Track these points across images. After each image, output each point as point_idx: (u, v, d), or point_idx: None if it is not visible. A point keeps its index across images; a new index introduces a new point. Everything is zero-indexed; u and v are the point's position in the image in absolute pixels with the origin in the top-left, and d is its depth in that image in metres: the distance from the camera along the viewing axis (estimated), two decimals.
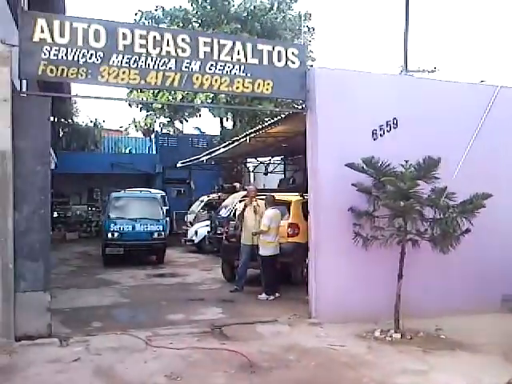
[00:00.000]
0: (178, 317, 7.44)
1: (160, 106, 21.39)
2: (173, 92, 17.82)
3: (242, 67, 6.80)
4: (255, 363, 5.21)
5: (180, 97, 19.01)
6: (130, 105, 21.48)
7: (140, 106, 22.42)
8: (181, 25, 20.59)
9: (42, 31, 5.86)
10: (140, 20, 21.18)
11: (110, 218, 13.22)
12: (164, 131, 25.03)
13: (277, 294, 8.61)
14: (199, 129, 27.27)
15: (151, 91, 19.16)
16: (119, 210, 13.46)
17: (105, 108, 58.38)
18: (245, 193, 12.45)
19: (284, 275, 9.12)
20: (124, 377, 4.88)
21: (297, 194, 10.12)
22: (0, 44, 5.62)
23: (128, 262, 12.83)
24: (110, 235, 12.85)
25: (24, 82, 6.30)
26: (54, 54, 5.92)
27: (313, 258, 7.03)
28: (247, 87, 6.86)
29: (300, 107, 8.69)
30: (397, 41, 45.37)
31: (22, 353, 5.49)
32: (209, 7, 21.25)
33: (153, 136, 25.15)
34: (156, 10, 21.60)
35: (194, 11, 21.37)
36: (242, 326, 6.66)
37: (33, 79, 7.05)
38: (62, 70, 5.98)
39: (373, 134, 7.13)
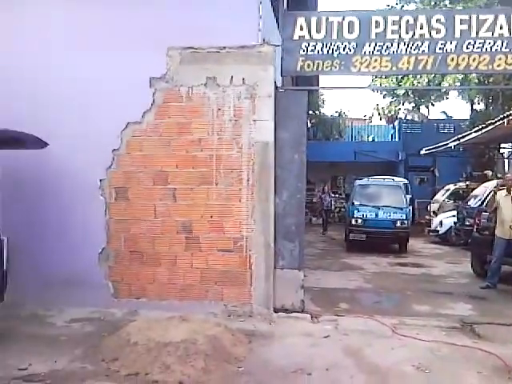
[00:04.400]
0: (423, 308, 7.25)
1: (404, 91, 20.87)
2: (418, 76, 17.16)
3: (505, 42, 6.21)
4: None
5: (426, 81, 18.17)
6: (373, 91, 21.51)
7: (384, 92, 22.26)
8: (432, 3, 19.64)
9: (302, 29, 6.39)
10: (396, 4, 21.00)
11: (353, 205, 13.58)
12: (409, 117, 24.35)
13: None
14: (446, 113, 25.68)
15: (395, 77, 18.82)
16: (363, 197, 13.71)
17: (350, 97, 59.80)
18: (498, 181, 11.36)
19: None
20: (371, 360, 4.95)
21: None
22: (266, 45, 6.25)
23: (370, 248, 12.96)
24: (353, 221, 13.21)
25: (280, 78, 6.89)
26: (311, 50, 6.39)
27: None
28: (510, 64, 6.24)
29: None
30: None
31: (279, 323, 6.07)
32: None
33: (396, 123, 24.72)
34: None
35: None
36: (497, 327, 6.11)
37: (292, 75, 7.65)
38: (318, 63, 6.41)
39: None
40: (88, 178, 6.45)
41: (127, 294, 6.45)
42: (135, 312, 6.24)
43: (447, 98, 23.08)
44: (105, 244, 6.48)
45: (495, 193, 8.67)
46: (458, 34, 6.28)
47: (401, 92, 21.30)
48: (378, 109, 23.74)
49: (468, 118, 21.85)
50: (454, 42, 6.28)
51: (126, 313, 6.24)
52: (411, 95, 21.78)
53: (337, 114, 26.46)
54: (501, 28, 6.22)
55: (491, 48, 6.23)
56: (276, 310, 6.34)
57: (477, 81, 17.26)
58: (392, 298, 8.23)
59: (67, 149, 6.42)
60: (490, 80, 16.79)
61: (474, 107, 22.20)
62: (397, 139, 24.19)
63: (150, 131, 6.41)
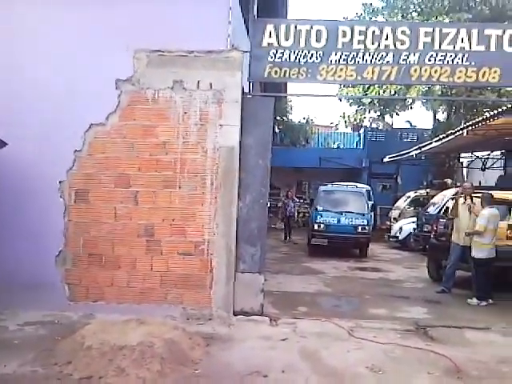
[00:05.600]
0: (380, 311, 7.41)
1: (370, 100, 21.26)
2: (384, 86, 17.52)
3: (466, 55, 6.39)
4: (463, 370, 4.89)
5: (392, 91, 18.57)
6: (340, 100, 21.82)
7: (350, 101, 22.61)
8: (399, 16, 20.10)
9: (270, 36, 6.41)
10: (361, 15, 21.41)
11: (317, 210, 13.72)
12: (374, 126, 24.82)
13: (490, 301, 7.86)
14: (410, 122, 26.30)
15: (361, 86, 19.14)
16: (326, 203, 13.87)
17: (317, 105, 60.51)
18: (456, 190, 11.70)
19: (498, 280, 8.26)
20: (327, 362, 5.03)
21: None
22: (234, 51, 6.27)
23: (331, 253, 13.12)
24: (316, 226, 13.35)
25: (247, 83, 6.89)
26: (279, 57, 6.42)
27: None
28: (470, 76, 6.42)
29: None
30: None
31: (238, 326, 6.09)
32: None
33: (361, 131, 25.15)
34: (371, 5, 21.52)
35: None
36: (449, 330, 6.32)
37: (259, 81, 7.69)
38: (285, 71, 6.45)
39: None
40: (47, 180, 6.31)
41: (84, 297, 6.34)
42: (91, 315, 6.13)
43: (411, 108, 23.60)
44: (62, 246, 6.35)
45: (457, 200, 8.90)
46: (421, 46, 6.41)
47: (367, 101, 21.67)
48: (344, 116, 24.05)
49: (431, 127, 22.42)
50: (418, 54, 6.42)
51: (82, 316, 6.14)
52: (377, 104, 22.18)
53: (304, 121, 26.71)
54: (462, 41, 6.39)
55: (452, 61, 6.40)
56: (236, 314, 6.37)
57: (440, 92, 17.75)
58: (350, 302, 8.34)
59: (27, 149, 6.27)
60: (453, 91, 17.31)
61: (437, 117, 22.78)
62: (361, 147, 24.62)
63: (114, 133, 6.32)
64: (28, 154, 6.31)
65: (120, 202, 6.33)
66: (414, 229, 14.43)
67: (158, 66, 6.28)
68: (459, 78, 6.44)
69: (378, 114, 23.79)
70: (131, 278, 6.34)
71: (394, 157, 18.73)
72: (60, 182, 6.36)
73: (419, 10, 20.49)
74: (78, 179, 6.37)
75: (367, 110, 23.20)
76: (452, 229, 8.78)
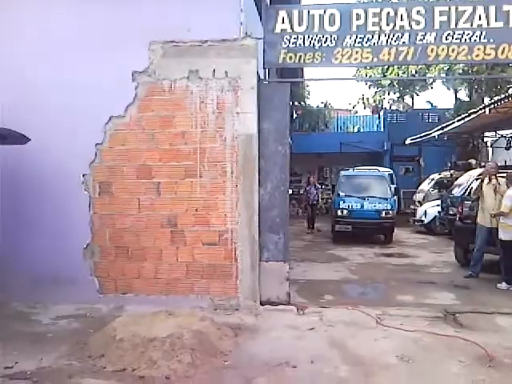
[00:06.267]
0: (407, 298, 7.31)
1: (389, 81, 20.94)
2: (403, 67, 17.23)
3: (484, 33, 6.27)
4: (494, 357, 4.79)
5: (411, 71, 18.26)
6: (358, 82, 21.59)
7: (369, 83, 22.32)
8: None
9: (283, 22, 6.40)
10: None
11: (339, 196, 13.60)
12: (393, 107, 24.44)
13: None
14: (431, 103, 25.81)
15: (380, 68, 18.88)
16: (348, 188, 13.72)
17: (335, 88, 59.94)
18: (482, 170, 11.44)
19: None
20: (355, 351, 5.00)
21: None
22: (248, 38, 6.25)
23: (356, 239, 13.04)
24: (339, 212, 13.21)
25: (263, 70, 6.88)
26: (293, 42, 6.41)
27: None
28: (489, 54, 6.30)
29: None
30: None
31: (265, 316, 6.11)
32: None
33: (381, 113, 24.82)
34: None
35: None
36: (478, 316, 6.21)
37: (274, 67, 7.64)
38: (300, 56, 6.43)
39: None
40: (71, 173, 6.42)
41: (113, 290, 6.45)
42: (121, 307, 6.23)
43: (432, 88, 23.27)
44: (89, 239, 6.46)
45: (482, 181, 8.70)
46: (437, 25, 6.32)
47: (386, 82, 21.37)
48: (363, 99, 23.75)
49: (452, 107, 21.99)
50: (434, 34, 6.32)
51: (112, 308, 6.24)
52: (396, 85, 21.87)
53: (322, 105, 26.46)
54: (479, 19, 6.27)
55: (470, 39, 6.28)
56: (262, 303, 6.38)
57: (461, 71, 17.38)
58: (376, 289, 8.28)
59: (50, 144, 6.37)
60: (474, 69, 16.91)
61: (459, 96, 22.36)
62: (382, 129, 24.28)
63: (133, 125, 6.38)
64: (51, 149, 6.42)
65: (143, 193, 6.41)
66: (439, 212, 14.16)
67: (173, 56, 6.31)
68: (477, 55, 6.34)
69: (398, 95, 23.44)
70: (158, 269, 6.42)
71: (416, 138, 18.44)
72: (83, 176, 6.46)
73: None
74: (101, 172, 6.46)
75: (386, 92, 22.87)
76: (477, 210, 8.59)
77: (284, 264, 6.54)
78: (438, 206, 14.57)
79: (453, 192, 13.35)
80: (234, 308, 6.28)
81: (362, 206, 13.15)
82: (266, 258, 6.50)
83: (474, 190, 9.17)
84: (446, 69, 17.54)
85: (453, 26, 6.31)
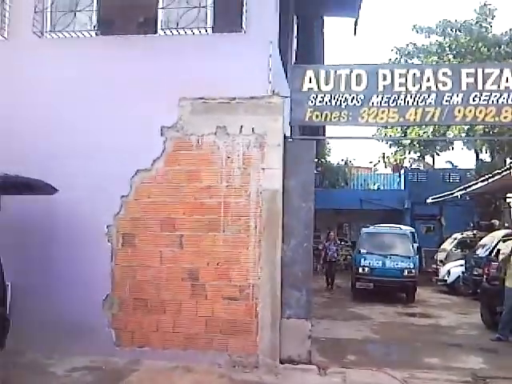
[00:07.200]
0: (433, 361, 7.06)
1: (409, 141, 21.12)
2: (424, 126, 17.39)
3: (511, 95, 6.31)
4: None
5: (431, 131, 18.40)
6: (378, 141, 21.84)
7: (390, 142, 22.52)
8: (435, 58, 20.16)
9: (310, 81, 6.56)
10: (396, 59, 21.59)
11: (360, 253, 13.46)
12: (414, 166, 24.49)
13: None
14: (451, 163, 25.84)
15: (400, 127, 19.08)
16: (370, 246, 13.60)
17: (355, 146, 60.68)
18: (507, 231, 11.27)
19: None
20: None
21: None
22: (275, 96, 6.39)
23: (377, 297, 12.77)
24: (360, 270, 13.05)
25: (288, 127, 6.98)
26: (320, 101, 6.54)
27: None
28: None
29: None
30: None
31: (285, 375, 5.91)
32: (463, 37, 20.29)
33: (402, 172, 24.84)
34: (407, 46, 21.66)
35: (447, 44, 20.67)
36: (510, 382, 5.95)
37: (300, 125, 7.77)
38: (326, 114, 6.54)
39: None
40: (96, 224, 6.47)
41: (130, 343, 6.33)
42: (138, 361, 6.10)
43: (452, 149, 23.34)
44: (109, 291, 6.42)
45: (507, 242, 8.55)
46: (464, 87, 6.39)
47: (406, 142, 21.54)
48: (383, 157, 23.93)
49: (473, 167, 21.96)
50: (461, 95, 6.39)
51: (128, 362, 6.11)
52: (416, 145, 22.01)
53: (343, 163, 26.67)
54: (507, 81, 6.34)
55: (497, 100, 6.33)
56: (282, 362, 6.20)
57: (482, 132, 17.45)
58: (401, 350, 7.99)
59: (76, 195, 6.45)
60: (495, 130, 16.98)
61: (480, 157, 22.36)
62: (402, 187, 24.23)
63: (160, 178, 6.47)
64: (77, 200, 6.49)
65: (166, 245, 6.40)
66: (463, 272, 13.92)
67: (202, 112, 6.46)
68: (505, 117, 6.38)
69: (418, 154, 23.55)
70: (176, 323, 6.30)
71: (437, 198, 18.33)
72: (108, 227, 6.50)
73: (454, 52, 20.52)
74: (125, 224, 6.50)
75: (407, 151, 23.00)
76: (505, 273, 8.41)
77: (306, 322, 6.39)
78: (461, 265, 14.36)
79: (477, 252, 13.13)
80: (253, 366, 6.09)
81: (384, 264, 12.98)
82: (287, 315, 6.35)
83: (503, 253, 8.97)
84: (466, 129, 17.63)
85: (480, 87, 6.37)
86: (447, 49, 20.82)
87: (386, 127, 19.51)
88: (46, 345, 6.16)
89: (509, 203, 19.14)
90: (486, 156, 22.14)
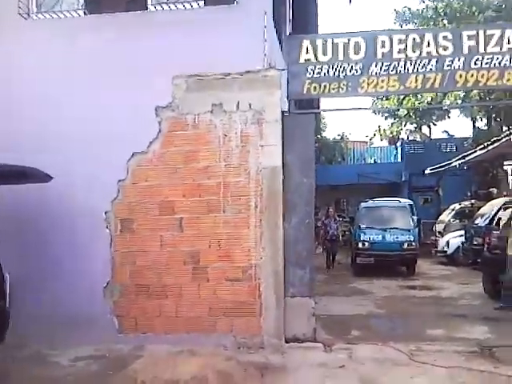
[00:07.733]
0: (438, 332, 7.03)
1: (406, 112, 20.94)
2: (419, 96, 17.18)
3: None
4: None
5: (428, 100, 18.19)
6: (374, 112, 21.61)
7: (386, 114, 22.35)
8: (431, 23, 19.87)
9: (307, 52, 6.33)
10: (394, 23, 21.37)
11: (360, 228, 13.39)
12: (411, 138, 24.36)
13: None
14: (448, 132, 25.71)
15: (396, 98, 18.86)
16: (369, 220, 13.55)
17: (351, 120, 60.25)
18: (507, 199, 11.22)
19: None
20: None
21: None
22: (272, 69, 6.18)
23: (378, 272, 12.78)
24: (360, 245, 13.02)
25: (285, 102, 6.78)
26: (317, 72, 6.32)
27: None
28: None
29: None
30: None
31: (291, 354, 5.85)
32: (456, 2, 20.01)
33: (398, 144, 24.72)
34: (403, 12, 21.39)
35: (441, 9, 20.35)
36: None
37: (299, 98, 7.55)
38: (325, 86, 6.33)
39: None
40: (93, 211, 6.31)
41: (133, 329, 6.24)
42: (142, 347, 6.00)
43: (449, 117, 23.19)
44: (109, 278, 6.30)
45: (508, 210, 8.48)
46: (465, 51, 6.21)
47: (402, 113, 21.36)
48: (379, 130, 23.75)
49: (470, 136, 21.87)
50: (462, 59, 6.21)
51: (132, 348, 6.01)
52: (412, 116, 21.84)
53: (339, 137, 26.48)
54: (508, 42, 6.15)
55: (500, 63, 6.16)
56: (287, 341, 6.14)
57: (478, 98, 17.26)
58: (405, 323, 7.99)
59: (71, 182, 6.29)
60: (492, 96, 16.80)
61: (477, 125, 22.21)
62: (399, 160, 24.18)
63: (156, 160, 6.30)
64: (73, 187, 6.34)
65: (165, 229, 6.26)
66: (463, 242, 13.91)
67: (197, 90, 6.25)
68: (508, 80, 6.19)
69: (415, 125, 23.41)
70: (179, 307, 6.21)
71: (435, 168, 18.26)
72: (106, 213, 6.35)
73: (448, 18, 20.26)
74: (123, 209, 6.34)
75: (403, 122, 22.85)
76: (508, 240, 8.32)
77: (310, 299, 6.31)
78: (460, 236, 14.34)
79: (476, 222, 13.08)
80: (258, 346, 6.03)
81: (384, 238, 12.94)
82: (291, 294, 6.27)
83: (504, 221, 8.90)
84: (462, 96, 17.44)
85: (482, 50, 6.19)
86: (442, 14, 20.55)
87: (382, 99, 19.29)
88: (48, 336, 6.01)
89: (506, 171, 19.11)
90: (482, 124, 22.01)
